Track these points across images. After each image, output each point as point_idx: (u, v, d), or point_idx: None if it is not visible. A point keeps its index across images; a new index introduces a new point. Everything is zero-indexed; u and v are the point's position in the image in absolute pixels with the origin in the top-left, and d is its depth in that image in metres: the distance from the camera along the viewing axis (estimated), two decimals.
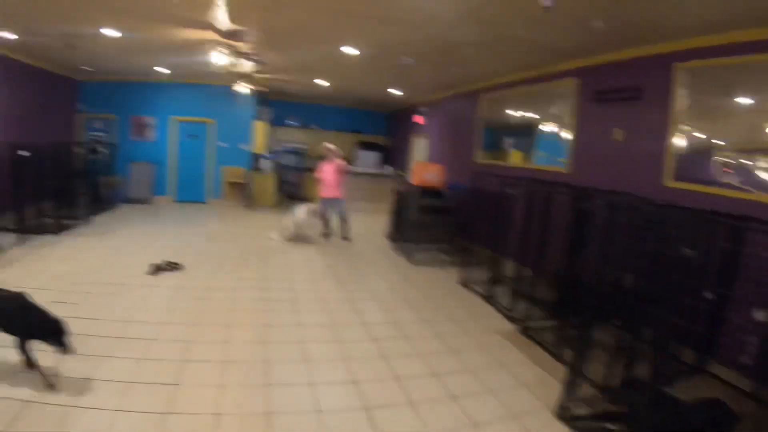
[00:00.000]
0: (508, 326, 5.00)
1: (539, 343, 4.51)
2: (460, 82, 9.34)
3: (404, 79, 9.51)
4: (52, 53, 9.41)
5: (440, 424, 3.22)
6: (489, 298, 5.75)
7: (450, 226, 8.16)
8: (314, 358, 4.19)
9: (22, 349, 3.52)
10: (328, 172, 8.85)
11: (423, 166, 8.61)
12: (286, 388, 3.66)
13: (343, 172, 8.91)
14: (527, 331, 4.75)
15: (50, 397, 3.34)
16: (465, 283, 6.38)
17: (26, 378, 3.50)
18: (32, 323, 3.51)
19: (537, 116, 7.25)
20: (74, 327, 4.46)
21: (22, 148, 8.50)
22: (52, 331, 3.52)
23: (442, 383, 3.73)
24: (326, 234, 9.17)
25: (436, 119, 11.43)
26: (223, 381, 3.75)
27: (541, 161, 6.98)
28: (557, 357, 4.19)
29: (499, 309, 5.44)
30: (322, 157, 9.29)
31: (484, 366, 4.07)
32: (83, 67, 11.26)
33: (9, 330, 3.53)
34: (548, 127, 6.94)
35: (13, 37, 7.69)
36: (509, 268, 5.92)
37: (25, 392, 3.37)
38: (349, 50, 7.13)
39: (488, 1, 4.38)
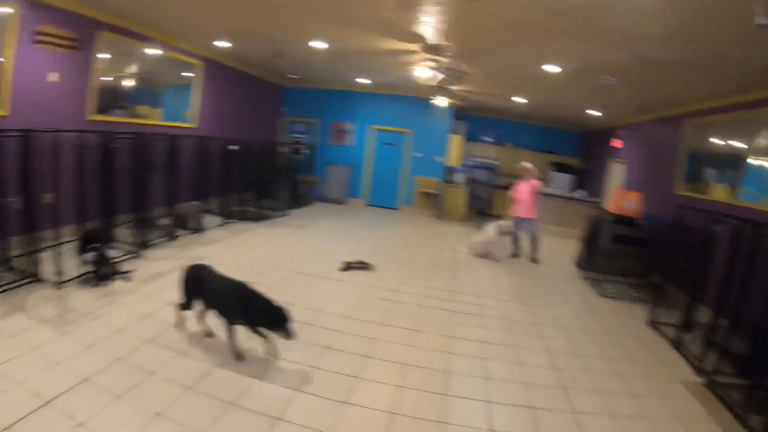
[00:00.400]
0: (694, 378, 4.74)
1: (725, 402, 4.22)
2: (663, 105, 8.91)
3: (604, 98, 9.27)
4: (261, 61, 10.70)
5: None
6: (677, 344, 5.45)
7: (644, 259, 7.83)
8: (494, 376, 4.37)
9: (229, 328, 4.12)
10: (523, 192, 8.94)
11: (621, 193, 8.32)
12: (463, 401, 3.89)
13: (538, 193, 8.94)
14: (714, 387, 4.46)
15: (237, 368, 3.95)
16: (653, 324, 6.11)
17: (216, 348, 4.18)
18: (254, 311, 4.00)
19: (746, 147, 6.59)
20: None
21: (232, 144, 9.73)
22: (275, 318, 3.97)
23: (618, 426, 3.68)
24: (515, 254, 9.26)
25: (634, 143, 10.93)
26: (402, 382, 4.09)
27: (748, 198, 6.32)
28: (742, 421, 3.91)
29: (687, 357, 5.15)
30: (517, 176, 9.39)
31: (663, 416, 3.94)
32: (289, 75, 12.53)
33: (227, 315, 4.14)
34: (759, 160, 6.31)
35: (227, 45, 8.86)
36: (704, 313, 5.61)
37: (215, 360, 4.04)
38: (550, 68, 7.17)
39: (699, 18, 4.20)
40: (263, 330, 4.08)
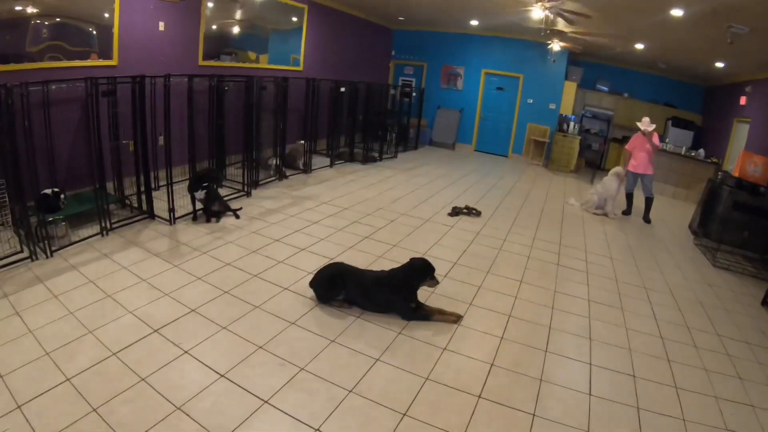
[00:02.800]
0: None
1: None
2: None
3: (730, 49, 8.34)
4: (368, 3, 10.63)
5: None
6: None
7: (765, 232, 7.29)
8: (597, 337, 4.34)
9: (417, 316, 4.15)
10: (641, 146, 8.51)
11: (746, 156, 7.73)
12: (563, 360, 3.90)
13: (656, 148, 8.50)
14: None
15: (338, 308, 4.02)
16: None
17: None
18: (413, 283, 4.12)
19: None
20: (371, 248, 5.37)
21: (341, 85, 9.88)
22: (427, 270, 4.16)
23: (721, 409, 3.53)
24: (626, 211, 8.98)
25: (760, 101, 9.98)
26: (504, 334, 4.13)
27: None
28: None
29: None
30: (634, 129, 8.97)
31: (767, 406, 3.67)
32: (398, 18, 12.30)
33: (398, 310, 4.16)
34: None
35: None
36: None
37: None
38: (675, 11, 6.65)
39: None
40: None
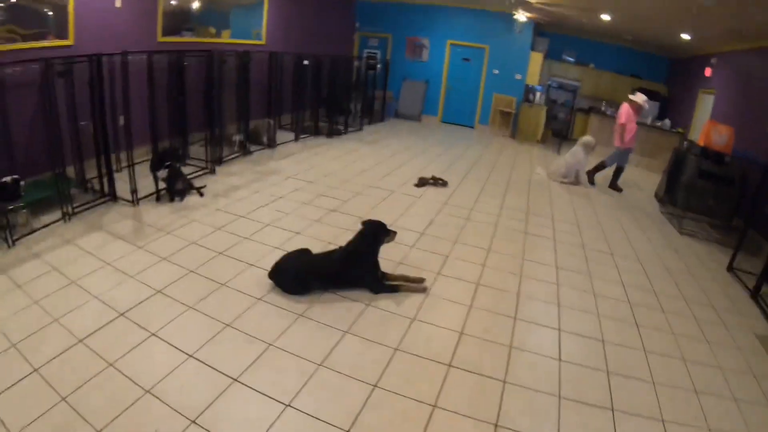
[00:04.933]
0: None
1: None
2: (763, 34, 7.93)
3: (697, 21, 8.32)
4: None
5: (677, 415, 3.08)
6: (756, 294, 5.11)
7: (730, 199, 7.39)
8: (565, 303, 4.39)
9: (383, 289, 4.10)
10: (632, 120, 8.46)
11: (712, 125, 7.78)
12: (533, 326, 3.93)
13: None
14: None
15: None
16: (733, 270, 5.80)
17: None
18: (370, 251, 4.07)
19: None
20: (337, 220, 5.36)
21: (304, 59, 9.68)
22: (382, 230, 4.11)
23: (687, 371, 3.60)
24: (613, 184, 8.95)
25: (725, 73, 10.03)
26: (474, 302, 4.14)
27: None
28: None
29: (765, 309, 4.83)
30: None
31: (733, 368, 3.75)
32: None
33: (366, 280, 4.09)
34: None
35: None
36: None
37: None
38: None
39: None
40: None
